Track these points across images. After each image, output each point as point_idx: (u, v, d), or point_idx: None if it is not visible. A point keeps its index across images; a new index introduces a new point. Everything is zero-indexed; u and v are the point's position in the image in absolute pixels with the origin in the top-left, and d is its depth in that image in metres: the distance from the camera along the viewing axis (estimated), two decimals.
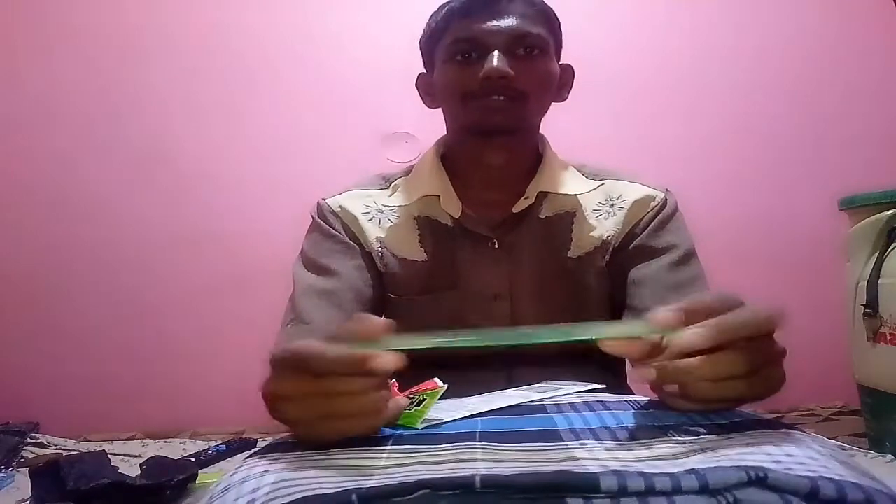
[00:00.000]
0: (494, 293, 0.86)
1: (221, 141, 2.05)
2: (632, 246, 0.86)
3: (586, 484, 0.31)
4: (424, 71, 0.91)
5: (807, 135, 2.06)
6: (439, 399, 0.53)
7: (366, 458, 0.41)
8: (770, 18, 2.09)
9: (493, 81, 0.77)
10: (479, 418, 0.50)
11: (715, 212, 1.93)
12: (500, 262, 0.85)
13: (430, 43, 0.86)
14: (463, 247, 0.86)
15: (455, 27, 0.80)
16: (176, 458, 1.53)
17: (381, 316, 0.91)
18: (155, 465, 1.36)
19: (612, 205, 0.87)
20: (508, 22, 0.78)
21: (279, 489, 0.35)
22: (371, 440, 0.45)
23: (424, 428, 0.48)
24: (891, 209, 1.36)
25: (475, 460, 0.38)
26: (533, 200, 0.85)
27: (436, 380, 0.54)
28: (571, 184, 0.88)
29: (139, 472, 1.34)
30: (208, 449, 1.67)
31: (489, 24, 0.78)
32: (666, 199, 0.88)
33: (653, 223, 0.86)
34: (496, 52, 0.76)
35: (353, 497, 0.32)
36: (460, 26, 0.80)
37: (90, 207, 2.04)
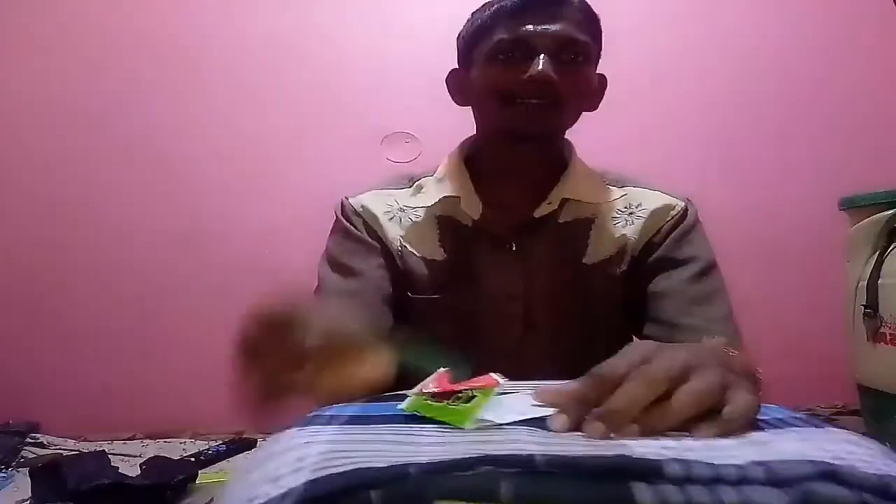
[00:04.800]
0: (509, 296, 0.86)
1: (222, 141, 2.06)
2: (652, 257, 0.85)
3: (651, 470, 0.30)
4: (457, 67, 0.90)
5: (807, 135, 2.06)
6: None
7: (409, 434, 0.40)
8: (772, 19, 2.09)
9: (536, 84, 0.76)
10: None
11: (715, 212, 1.93)
12: (516, 264, 0.85)
13: (472, 40, 0.84)
14: (481, 248, 0.86)
15: (503, 27, 0.79)
16: (176, 458, 1.54)
17: (399, 314, 0.90)
18: (155, 465, 1.36)
19: (631, 213, 0.87)
20: (558, 27, 0.77)
21: (328, 460, 0.34)
22: (411, 418, 0.44)
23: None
24: (891, 209, 1.36)
25: (525, 442, 0.37)
26: (556, 207, 0.85)
27: (493, 375, 0.49)
28: (595, 192, 0.87)
29: (139, 472, 1.34)
30: (208, 449, 1.67)
31: (539, 26, 0.77)
32: (686, 209, 0.87)
33: (673, 233, 0.85)
34: (543, 56, 0.76)
35: (411, 470, 0.31)
36: (509, 26, 0.78)
37: (90, 208, 2.04)
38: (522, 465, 0.31)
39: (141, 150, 2.05)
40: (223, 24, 2.07)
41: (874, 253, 1.37)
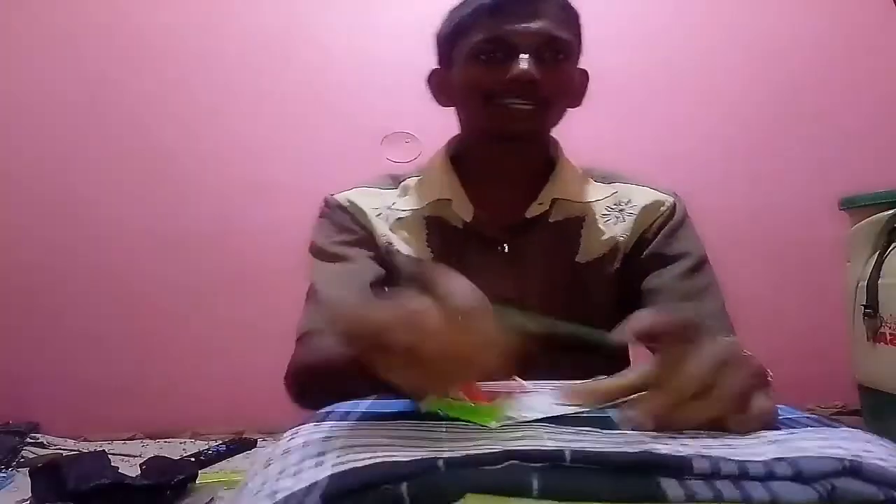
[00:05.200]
0: (502, 297, 0.84)
1: (221, 143, 2.06)
2: (644, 254, 0.85)
3: (680, 465, 0.31)
4: (437, 66, 0.88)
5: (807, 135, 2.06)
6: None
7: (427, 430, 0.40)
8: (772, 20, 2.09)
9: (519, 84, 0.74)
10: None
11: (716, 212, 1.93)
12: (509, 265, 0.84)
13: (451, 39, 0.82)
14: (472, 250, 0.84)
15: (483, 25, 0.77)
16: (176, 458, 1.54)
17: None
18: (155, 465, 1.36)
19: (622, 210, 0.87)
20: (539, 24, 0.75)
21: (349, 454, 0.34)
22: (426, 415, 0.44)
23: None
24: (891, 209, 1.36)
25: (547, 438, 0.37)
26: (547, 207, 0.84)
27: (516, 380, 0.49)
28: (584, 191, 0.87)
29: (139, 472, 1.34)
30: (208, 449, 1.67)
31: (520, 25, 0.75)
32: (675, 205, 0.87)
33: (664, 230, 0.85)
34: (525, 55, 0.74)
35: (439, 464, 0.31)
36: (489, 25, 0.77)
37: (90, 209, 2.04)
38: (551, 460, 0.31)
39: (141, 151, 2.05)
40: (223, 24, 2.07)
41: (874, 253, 1.37)
